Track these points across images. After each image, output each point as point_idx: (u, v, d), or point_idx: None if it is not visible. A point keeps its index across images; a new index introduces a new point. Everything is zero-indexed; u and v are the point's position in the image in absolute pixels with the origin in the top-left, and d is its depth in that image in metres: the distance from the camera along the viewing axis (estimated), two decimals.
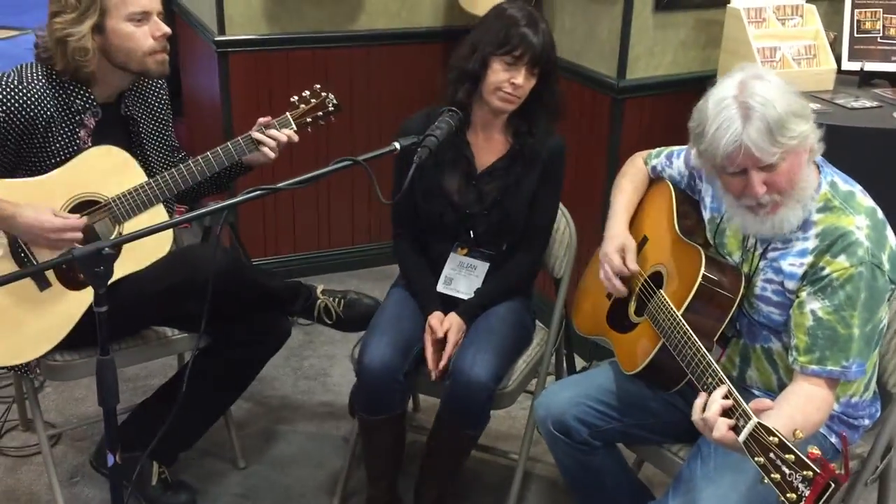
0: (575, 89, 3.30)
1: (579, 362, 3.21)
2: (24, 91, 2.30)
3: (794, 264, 1.96)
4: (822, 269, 1.91)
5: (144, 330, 2.61)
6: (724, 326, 2.02)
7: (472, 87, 2.43)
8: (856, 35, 3.21)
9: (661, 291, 2.09)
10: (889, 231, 1.96)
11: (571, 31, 3.34)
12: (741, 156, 1.84)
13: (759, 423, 1.67)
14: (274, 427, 3.15)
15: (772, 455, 1.61)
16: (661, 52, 3.19)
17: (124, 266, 2.33)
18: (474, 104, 2.47)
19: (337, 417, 3.19)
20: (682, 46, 3.22)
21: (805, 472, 1.56)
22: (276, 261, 4.02)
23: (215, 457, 2.96)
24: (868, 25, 3.22)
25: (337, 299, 2.72)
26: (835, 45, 3.17)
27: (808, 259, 1.94)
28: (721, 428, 1.74)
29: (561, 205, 2.65)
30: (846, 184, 1.99)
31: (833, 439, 2.06)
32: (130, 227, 2.38)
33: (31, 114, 2.31)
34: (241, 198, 1.89)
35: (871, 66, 3.17)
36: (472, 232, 2.56)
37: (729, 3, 3.08)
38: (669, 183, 2.32)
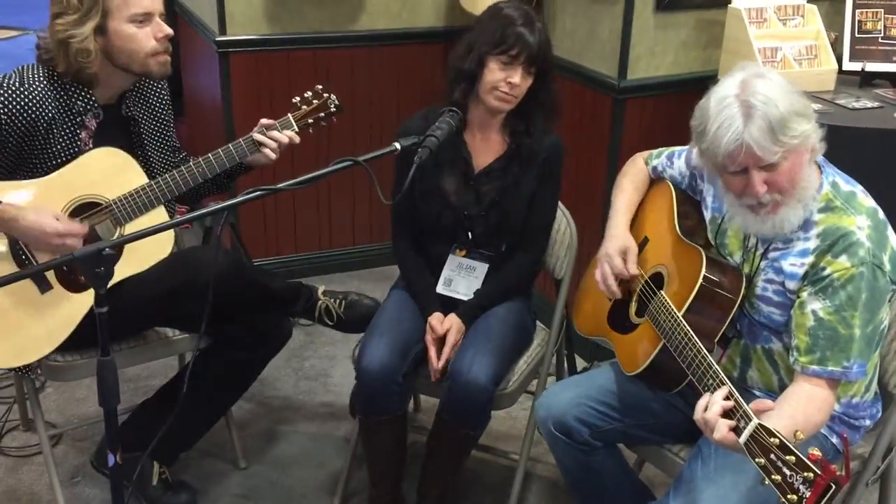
0: (576, 90, 3.30)
1: (580, 363, 3.21)
2: (26, 93, 2.30)
3: (794, 264, 1.96)
4: (823, 269, 1.91)
5: (145, 330, 2.61)
6: (724, 327, 2.02)
7: (468, 86, 2.42)
8: (857, 35, 3.21)
9: (662, 292, 2.09)
10: (890, 231, 1.96)
11: (572, 31, 3.34)
12: (742, 154, 1.83)
13: (759, 424, 1.67)
14: (275, 427, 3.15)
15: (772, 456, 1.61)
16: (661, 52, 3.18)
17: (126, 268, 2.33)
18: (471, 104, 2.46)
19: (338, 418, 3.19)
20: (682, 47, 3.22)
21: (806, 474, 1.56)
22: (277, 261, 4.02)
23: (216, 457, 2.96)
24: (869, 26, 3.21)
25: (338, 300, 2.72)
26: (836, 46, 3.16)
27: (809, 259, 1.94)
28: (722, 429, 1.74)
29: (561, 205, 2.64)
30: (848, 184, 1.99)
31: (834, 440, 2.06)
32: (132, 228, 2.38)
33: (33, 116, 2.30)
34: (241, 198, 1.89)
35: (872, 67, 3.17)
36: (470, 233, 2.55)
37: (730, 3, 3.08)
38: (670, 183, 2.32)
